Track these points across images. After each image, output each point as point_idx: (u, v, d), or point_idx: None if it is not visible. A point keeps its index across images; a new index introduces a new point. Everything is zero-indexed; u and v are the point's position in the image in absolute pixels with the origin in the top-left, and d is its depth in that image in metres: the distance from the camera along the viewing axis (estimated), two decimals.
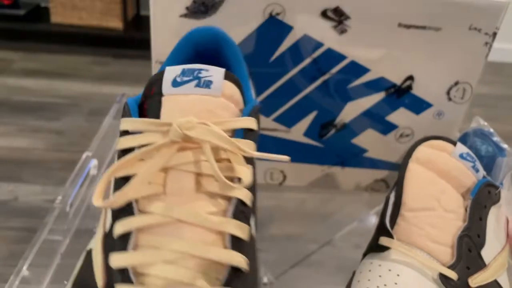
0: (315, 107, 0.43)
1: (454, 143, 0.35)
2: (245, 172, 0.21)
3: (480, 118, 0.44)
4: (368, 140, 0.45)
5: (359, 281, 0.30)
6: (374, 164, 0.47)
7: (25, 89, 1.45)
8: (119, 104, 0.54)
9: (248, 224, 0.21)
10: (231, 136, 0.22)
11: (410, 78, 0.41)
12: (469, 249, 0.30)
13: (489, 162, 0.38)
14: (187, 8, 0.38)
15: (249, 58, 0.40)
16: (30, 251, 0.33)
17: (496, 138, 0.40)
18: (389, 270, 0.29)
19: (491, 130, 0.41)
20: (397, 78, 0.41)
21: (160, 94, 0.23)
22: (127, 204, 0.20)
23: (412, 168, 0.34)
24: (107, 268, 0.20)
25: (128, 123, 0.22)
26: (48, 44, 1.68)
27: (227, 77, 0.23)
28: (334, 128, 0.45)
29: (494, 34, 0.39)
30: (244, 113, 0.24)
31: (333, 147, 0.46)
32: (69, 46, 1.69)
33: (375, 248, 0.31)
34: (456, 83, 0.42)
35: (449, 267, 0.29)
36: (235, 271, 0.20)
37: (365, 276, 0.30)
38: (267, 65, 0.41)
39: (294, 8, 0.38)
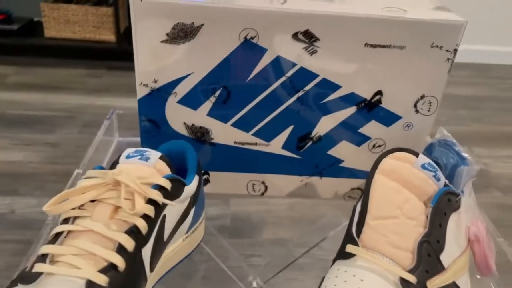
0: (292, 122, 0.46)
1: (417, 154, 0.38)
2: (145, 208, 0.31)
3: (444, 129, 0.47)
4: (344, 151, 0.48)
5: (326, 286, 0.32)
6: (350, 173, 0.50)
7: (20, 103, 1.47)
8: (109, 120, 0.56)
9: (136, 240, 0.30)
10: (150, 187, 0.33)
11: (379, 93, 0.44)
12: (428, 254, 0.32)
13: (452, 171, 0.41)
14: (167, 34, 0.41)
15: (228, 78, 0.43)
16: (25, 263, 0.36)
17: (458, 148, 0.43)
18: (354, 275, 0.31)
19: (454, 140, 0.44)
20: (367, 93, 0.44)
21: (117, 162, 0.35)
22: (66, 218, 0.31)
23: (378, 179, 0.36)
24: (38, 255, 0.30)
25: (88, 173, 0.33)
26: (42, 58, 1.70)
27: (162, 158, 0.35)
28: (310, 140, 0.47)
29: (455, 51, 0.42)
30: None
31: (310, 159, 0.49)
32: (62, 59, 1.71)
33: (342, 255, 0.34)
34: (422, 97, 0.44)
35: (409, 271, 0.31)
36: (113, 267, 0.29)
37: (332, 282, 0.32)
38: (245, 84, 0.44)
39: (267, 32, 0.41)
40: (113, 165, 0.35)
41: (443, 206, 0.35)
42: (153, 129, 0.46)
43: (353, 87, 0.44)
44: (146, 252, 0.31)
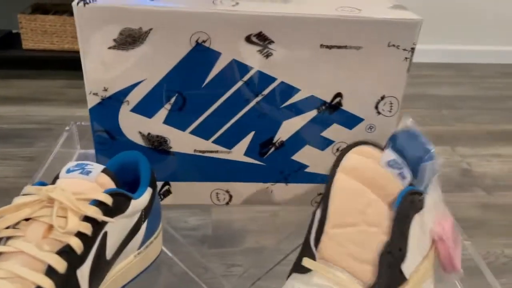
0: (252, 128, 0.45)
1: (383, 148, 0.35)
2: (80, 226, 0.30)
3: (408, 117, 0.45)
4: (308, 156, 0.47)
5: None
6: (316, 178, 0.48)
7: None
8: (68, 132, 0.55)
9: (68, 261, 0.28)
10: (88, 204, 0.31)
11: (339, 95, 0.43)
12: (389, 265, 0.30)
13: (416, 165, 0.39)
14: (114, 40, 0.39)
15: (182, 84, 0.42)
16: None
17: (423, 139, 0.40)
18: None
19: (418, 130, 0.41)
20: (326, 96, 0.43)
21: (57, 177, 0.33)
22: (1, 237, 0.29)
23: (339, 178, 0.33)
24: None
25: (25, 189, 0.32)
26: (20, 70, 1.68)
27: (104, 171, 0.33)
28: (273, 146, 0.46)
29: (412, 49, 0.41)
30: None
31: (274, 165, 0.47)
32: (41, 71, 1.69)
33: (298, 268, 0.31)
34: (383, 97, 0.43)
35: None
36: None
37: None
38: (200, 89, 0.42)
39: (219, 35, 0.39)
40: (54, 180, 0.33)
41: (406, 208, 0.33)
42: (107, 140, 0.44)
43: (312, 89, 0.43)
44: (83, 273, 0.29)
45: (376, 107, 0.44)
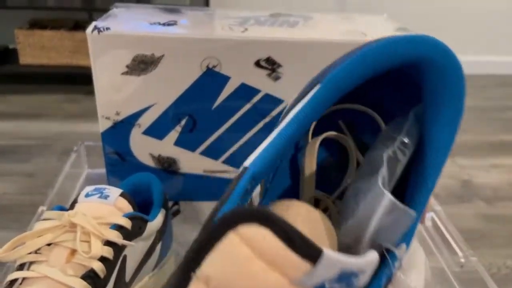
0: None
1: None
2: (102, 251, 0.30)
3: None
4: None
5: None
6: None
7: None
8: (76, 153, 0.55)
9: (93, 285, 0.29)
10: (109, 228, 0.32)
11: None
12: None
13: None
14: (127, 66, 0.40)
15: (193, 107, 0.43)
16: None
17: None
18: None
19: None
20: None
21: (76, 201, 0.34)
22: (22, 263, 0.30)
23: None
24: None
25: (46, 214, 0.32)
26: (18, 85, 1.68)
27: (122, 195, 0.34)
28: None
29: None
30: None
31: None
32: (39, 86, 1.69)
33: None
34: None
35: None
36: None
37: None
38: (210, 112, 0.43)
39: (229, 60, 0.40)
40: (72, 204, 0.33)
41: None
42: (118, 162, 0.45)
43: None
44: None
45: None
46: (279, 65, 0.41)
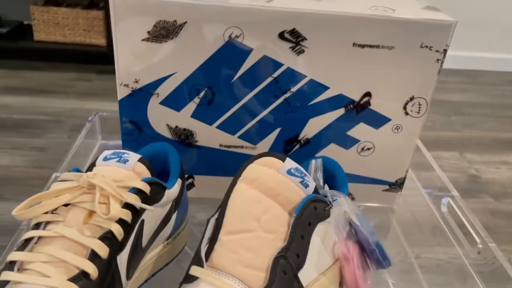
0: (279, 124, 0.45)
1: (284, 159, 0.34)
2: (120, 213, 0.30)
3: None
4: (332, 154, 0.47)
5: None
6: None
7: (7, 106, 1.44)
8: (91, 123, 0.55)
9: (110, 246, 0.29)
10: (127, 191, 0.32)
11: (368, 94, 0.43)
12: (284, 271, 0.28)
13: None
14: (148, 32, 0.39)
15: (213, 78, 0.42)
16: None
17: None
18: None
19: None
20: (355, 94, 0.43)
21: (93, 165, 0.33)
22: (38, 223, 0.29)
23: (239, 187, 0.32)
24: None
25: (63, 176, 0.32)
26: (31, 62, 1.68)
27: (141, 161, 0.33)
28: (298, 143, 0.46)
29: (445, 51, 0.41)
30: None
31: (298, 162, 0.47)
32: (52, 63, 1.69)
33: (186, 278, 0.29)
34: (412, 98, 0.43)
35: None
36: (85, 275, 0.27)
37: None
38: (230, 85, 0.42)
39: (252, 31, 0.40)
40: (90, 167, 0.33)
41: (308, 215, 0.31)
42: (134, 131, 0.44)
43: (342, 88, 0.43)
44: (122, 259, 0.29)
45: (405, 108, 0.44)
46: (304, 38, 0.40)
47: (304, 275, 0.30)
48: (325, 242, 0.32)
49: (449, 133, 1.52)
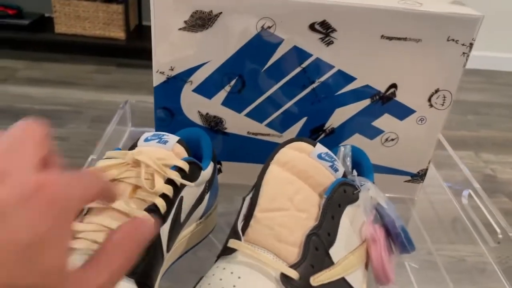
0: (306, 113, 0.46)
1: (315, 144, 0.35)
2: (164, 188, 0.32)
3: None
4: (356, 144, 0.48)
5: (201, 286, 0.30)
6: None
7: (29, 97, 1.48)
8: (122, 110, 0.57)
9: (159, 218, 0.31)
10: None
11: (394, 86, 0.44)
12: (316, 247, 0.30)
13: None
14: (185, 22, 0.41)
15: (243, 67, 0.44)
16: None
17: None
18: (231, 273, 0.29)
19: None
20: (381, 86, 0.44)
21: (135, 145, 0.35)
22: None
23: (272, 169, 0.33)
24: None
25: (108, 154, 0.34)
26: (52, 53, 1.72)
27: (179, 142, 0.36)
28: (323, 133, 0.48)
29: (471, 45, 0.42)
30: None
31: None
32: (72, 55, 1.73)
33: (224, 251, 0.31)
34: (437, 91, 0.45)
35: (291, 266, 0.29)
36: None
37: (207, 280, 0.29)
38: (260, 74, 0.44)
39: (284, 22, 0.41)
40: (132, 147, 0.35)
41: (337, 197, 0.33)
42: (167, 118, 0.46)
43: (368, 79, 0.44)
44: (164, 231, 0.31)
45: (429, 100, 0.45)
46: (334, 30, 0.41)
47: (334, 252, 0.31)
48: (353, 223, 0.34)
49: (465, 133, 1.52)
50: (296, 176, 0.33)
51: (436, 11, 0.41)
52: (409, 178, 0.50)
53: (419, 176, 0.50)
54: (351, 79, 0.44)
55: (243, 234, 0.30)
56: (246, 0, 0.40)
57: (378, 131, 0.47)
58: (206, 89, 0.45)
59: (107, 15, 1.62)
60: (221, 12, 0.41)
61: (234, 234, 0.31)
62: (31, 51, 1.73)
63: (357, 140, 0.48)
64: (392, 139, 0.48)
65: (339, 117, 0.47)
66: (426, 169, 0.50)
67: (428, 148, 0.48)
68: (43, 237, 0.16)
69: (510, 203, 1.23)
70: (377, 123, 0.47)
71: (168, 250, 0.32)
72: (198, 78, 0.44)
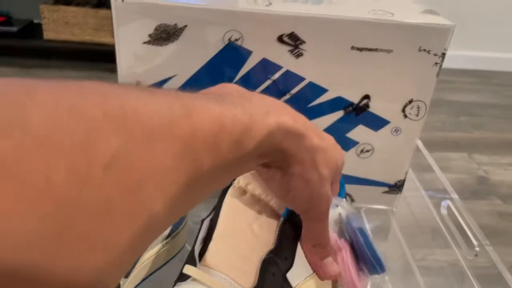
0: None
1: None
2: None
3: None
4: None
5: None
6: None
7: None
8: None
9: None
10: None
11: (367, 97, 0.43)
12: (273, 272, 0.29)
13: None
14: (149, 35, 0.40)
15: (212, 80, 0.42)
16: None
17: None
18: None
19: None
20: (354, 97, 0.43)
21: None
22: None
23: (232, 192, 0.33)
24: None
25: None
26: (42, 60, 1.71)
27: None
28: None
29: (443, 55, 0.41)
30: None
31: None
32: (62, 61, 1.72)
33: (180, 277, 0.29)
34: (411, 101, 0.44)
35: None
36: None
37: None
38: None
39: (252, 34, 0.40)
40: None
41: (295, 218, 0.32)
42: None
43: (340, 90, 0.43)
44: None
45: (403, 110, 0.44)
46: (303, 42, 0.40)
47: (292, 276, 0.30)
48: None
49: (458, 134, 1.51)
50: (256, 199, 0.32)
51: (407, 21, 0.40)
52: (387, 189, 0.49)
53: (396, 187, 0.49)
54: (322, 90, 0.43)
55: (200, 258, 0.29)
56: (211, 12, 0.39)
57: (353, 143, 0.46)
58: None
59: (96, 20, 1.61)
60: (186, 25, 0.40)
61: (191, 259, 0.30)
62: (20, 58, 1.72)
63: None
64: (368, 150, 0.47)
65: None
66: (404, 180, 0.49)
67: (404, 159, 0.47)
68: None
69: (503, 205, 1.22)
70: (352, 134, 0.46)
71: (126, 276, 0.31)
72: None
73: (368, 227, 0.52)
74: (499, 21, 1.91)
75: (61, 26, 1.64)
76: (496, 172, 1.35)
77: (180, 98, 0.18)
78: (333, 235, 0.33)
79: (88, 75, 1.66)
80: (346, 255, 0.33)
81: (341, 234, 0.34)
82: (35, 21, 1.76)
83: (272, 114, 0.23)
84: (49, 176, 0.13)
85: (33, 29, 1.73)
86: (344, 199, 0.38)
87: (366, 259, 0.34)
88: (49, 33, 1.67)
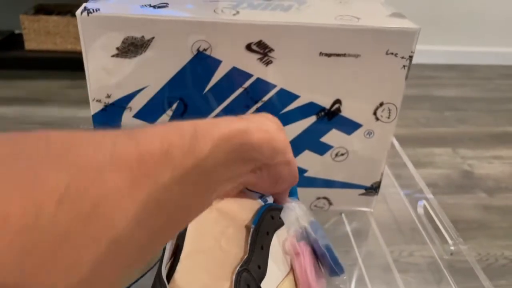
0: None
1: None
2: None
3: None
4: (307, 161, 0.47)
5: None
6: (315, 182, 0.49)
7: (1, 117, 1.45)
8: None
9: None
10: None
11: (338, 101, 0.44)
12: (247, 284, 0.29)
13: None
14: (117, 48, 0.40)
15: (184, 91, 0.43)
16: None
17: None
18: None
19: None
20: (325, 102, 0.44)
21: None
22: None
23: None
24: None
25: None
26: (23, 71, 1.69)
27: None
28: None
29: (410, 58, 0.42)
30: None
31: None
32: (44, 71, 1.70)
33: None
34: (381, 104, 0.44)
35: None
36: None
37: None
38: (201, 96, 0.43)
39: (220, 43, 0.40)
40: None
41: (265, 225, 0.32)
42: None
43: (312, 96, 0.43)
44: None
45: (375, 113, 0.44)
46: (271, 49, 0.41)
47: (266, 285, 0.30)
48: (283, 248, 0.33)
49: (442, 129, 1.52)
50: (224, 215, 0.32)
51: (373, 25, 0.40)
52: (363, 191, 0.50)
53: (373, 189, 0.50)
54: (294, 97, 0.43)
55: (169, 280, 0.29)
56: (177, 23, 0.39)
57: (328, 147, 0.46)
58: (147, 114, 0.44)
59: (77, 29, 1.60)
60: (153, 37, 0.40)
61: (159, 282, 0.29)
62: (1, 69, 1.70)
63: (307, 156, 0.47)
64: (342, 154, 0.47)
65: (287, 135, 0.46)
66: (380, 181, 0.49)
67: (379, 161, 0.48)
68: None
69: (488, 198, 1.23)
70: (326, 139, 0.46)
71: None
72: (137, 103, 0.43)
73: (349, 229, 0.52)
74: (481, 16, 1.93)
75: (43, 36, 1.63)
76: (480, 165, 1.36)
77: (130, 133, 0.21)
78: (292, 239, 0.34)
79: (70, 84, 1.65)
80: (304, 260, 0.33)
81: (301, 237, 0.35)
82: (16, 31, 1.74)
83: (223, 122, 0.26)
84: (7, 211, 0.14)
85: (14, 40, 1.71)
86: (299, 200, 0.38)
87: (327, 261, 0.34)
88: (30, 44, 1.65)
